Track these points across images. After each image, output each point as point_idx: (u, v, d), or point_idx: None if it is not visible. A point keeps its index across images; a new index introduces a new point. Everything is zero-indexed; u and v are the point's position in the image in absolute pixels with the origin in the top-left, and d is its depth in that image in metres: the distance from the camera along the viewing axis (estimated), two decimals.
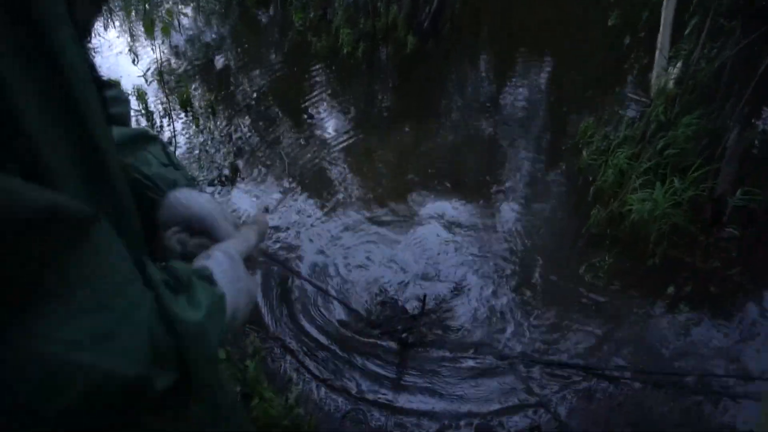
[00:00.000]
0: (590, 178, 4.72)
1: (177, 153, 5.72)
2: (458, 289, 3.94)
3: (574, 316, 3.64)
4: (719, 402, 3.07)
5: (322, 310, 3.77)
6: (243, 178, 5.44)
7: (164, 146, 1.07)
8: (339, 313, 3.73)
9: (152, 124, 6.02)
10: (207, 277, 0.75)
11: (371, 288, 3.93)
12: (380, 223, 4.79)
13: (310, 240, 4.56)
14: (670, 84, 4.91)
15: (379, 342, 3.48)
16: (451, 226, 4.60)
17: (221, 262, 0.81)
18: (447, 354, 3.39)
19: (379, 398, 3.20)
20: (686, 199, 3.98)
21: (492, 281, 4.04)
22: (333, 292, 3.86)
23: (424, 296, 3.57)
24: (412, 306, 3.71)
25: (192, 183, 1.07)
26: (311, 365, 3.42)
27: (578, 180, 4.83)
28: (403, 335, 3.43)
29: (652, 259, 3.96)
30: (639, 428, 2.99)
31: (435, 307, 3.70)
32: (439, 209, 4.90)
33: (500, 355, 3.33)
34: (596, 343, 3.43)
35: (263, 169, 5.54)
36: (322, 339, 3.59)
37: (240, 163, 5.64)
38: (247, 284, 0.84)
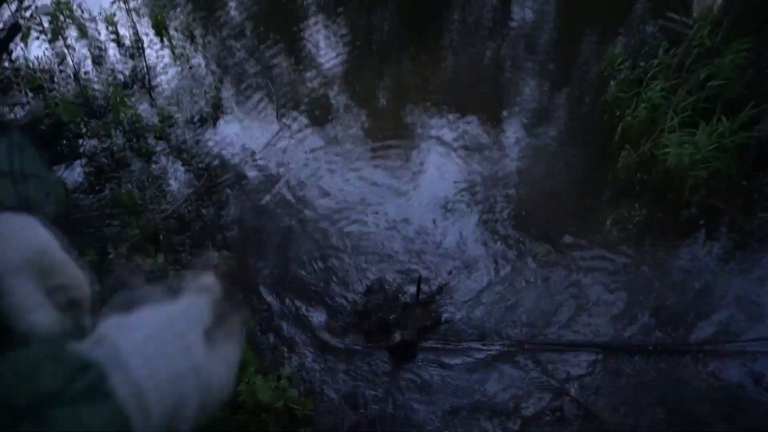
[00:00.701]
0: (618, 114, 4.16)
1: (152, 87, 5.11)
2: (461, 255, 3.53)
3: (599, 279, 3.25)
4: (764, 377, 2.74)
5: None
6: (226, 115, 4.87)
7: (12, 144, 0.70)
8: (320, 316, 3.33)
9: (123, 54, 5.35)
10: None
11: (365, 255, 3.53)
12: (379, 167, 4.31)
13: (304, 183, 4.11)
14: (718, 2, 4.22)
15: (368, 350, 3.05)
16: (456, 169, 4.11)
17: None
18: (452, 347, 3.03)
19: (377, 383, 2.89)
20: (735, 142, 3.45)
21: (499, 238, 3.61)
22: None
23: (419, 278, 3.07)
24: (405, 292, 3.27)
25: (48, 206, 0.69)
26: (303, 339, 3.08)
27: (604, 116, 4.27)
28: (396, 337, 2.93)
29: (687, 210, 3.51)
30: (671, 406, 2.69)
31: (432, 290, 3.26)
32: (443, 148, 4.40)
33: (510, 341, 2.96)
34: (624, 311, 3.06)
35: (249, 105, 4.96)
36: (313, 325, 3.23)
37: (223, 97, 5.05)
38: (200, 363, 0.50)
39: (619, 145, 3.92)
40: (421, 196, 3.93)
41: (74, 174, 4.36)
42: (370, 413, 2.68)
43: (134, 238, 3.66)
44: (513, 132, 4.45)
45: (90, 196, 4.12)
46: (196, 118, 4.81)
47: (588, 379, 2.76)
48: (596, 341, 2.91)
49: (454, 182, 4.00)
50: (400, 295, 3.22)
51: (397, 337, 2.89)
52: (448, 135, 4.42)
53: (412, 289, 3.13)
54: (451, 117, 4.57)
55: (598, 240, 3.48)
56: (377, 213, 3.86)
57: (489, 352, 2.90)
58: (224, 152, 4.62)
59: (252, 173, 4.39)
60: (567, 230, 3.57)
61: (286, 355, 2.98)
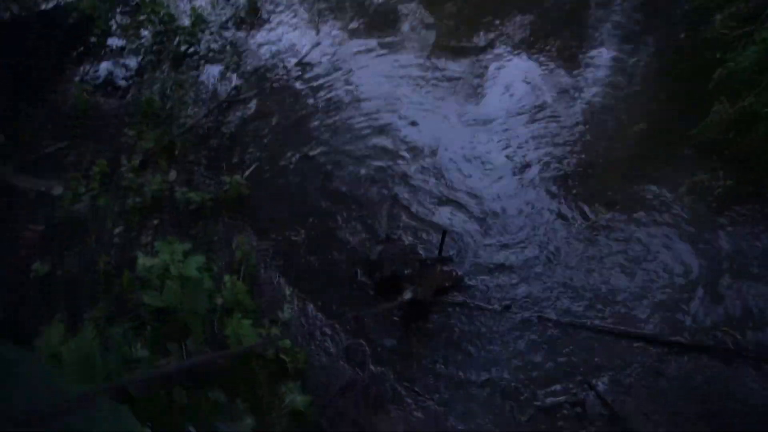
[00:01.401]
0: (718, 56, 3.40)
1: None
2: (501, 200, 3.07)
3: (659, 255, 2.73)
4: None
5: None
6: (263, 22, 4.42)
7: None
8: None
9: None
10: None
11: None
12: (435, 81, 3.81)
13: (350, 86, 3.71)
14: None
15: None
16: (523, 92, 3.58)
17: None
18: (470, 311, 2.66)
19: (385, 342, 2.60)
20: None
21: (550, 186, 3.12)
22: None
23: (444, 233, 2.67)
24: (427, 243, 2.90)
25: None
26: (309, 282, 2.81)
27: (700, 57, 3.51)
28: (407, 294, 2.58)
29: None
30: (719, 422, 2.26)
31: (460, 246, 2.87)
32: (508, 77, 3.83)
33: (538, 315, 2.55)
34: (681, 299, 2.57)
35: (288, 13, 4.47)
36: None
37: (260, 2, 4.57)
38: None
39: (712, 95, 3.22)
40: (478, 117, 3.47)
41: (99, 73, 4.15)
42: (366, 375, 2.42)
43: (148, 151, 3.43)
44: (592, 63, 3.79)
45: (111, 100, 3.91)
46: (230, 24, 4.41)
47: (620, 375, 2.35)
48: (638, 331, 2.47)
49: (518, 110, 3.48)
50: (420, 249, 2.86)
51: (408, 294, 2.56)
52: (520, 53, 3.84)
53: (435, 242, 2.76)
54: (525, 34, 3.95)
55: (666, 207, 2.93)
56: (419, 131, 3.44)
57: (511, 324, 2.53)
58: (256, 63, 4.23)
59: (282, 88, 4.01)
60: (631, 189, 3.03)
61: (287, 296, 2.74)
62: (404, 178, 3.26)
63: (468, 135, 3.44)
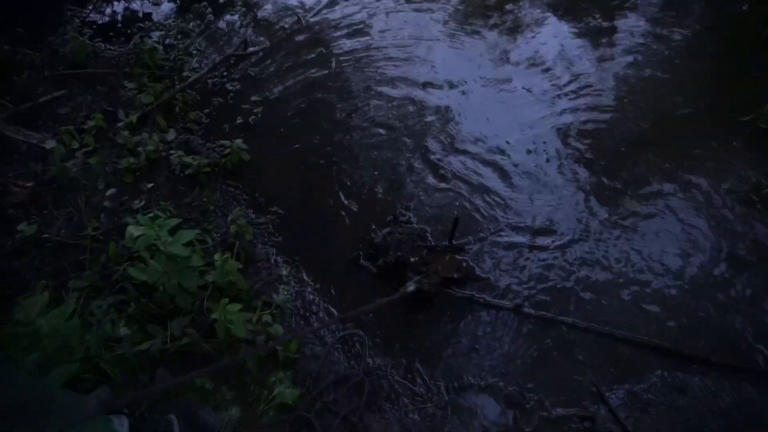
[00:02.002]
0: None
1: None
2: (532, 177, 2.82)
3: (692, 257, 2.49)
4: None
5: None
6: None
7: None
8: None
9: None
10: None
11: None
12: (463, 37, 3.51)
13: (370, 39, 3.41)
14: None
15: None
16: (555, 54, 3.27)
17: None
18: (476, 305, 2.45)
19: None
20: None
21: (573, 164, 2.85)
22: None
23: (456, 220, 2.49)
24: (438, 225, 2.67)
25: None
26: (308, 262, 2.62)
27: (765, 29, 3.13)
28: (410, 286, 2.36)
29: None
30: None
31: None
32: (540, 40, 3.50)
33: (552, 317, 2.34)
34: (709, 314, 2.33)
35: None
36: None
37: None
38: None
39: None
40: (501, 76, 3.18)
41: (102, 17, 3.88)
42: (362, 369, 2.26)
43: (148, 107, 3.20)
44: (632, 32, 3.44)
45: (112, 48, 3.65)
46: None
47: (638, 389, 2.16)
48: (661, 343, 2.26)
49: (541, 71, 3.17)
50: (429, 234, 2.64)
51: (412, 286, 2.36)
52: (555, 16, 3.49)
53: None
54: None
55: (704, 203, 2.65)
56: (441, 92, 3.16)
57: (522, 324, 2.33)
58: (267, 14, 3.92)
59: (295, 43, 3.72)
60: (663, 176, 2.76)
61: (284, 277, 2.56)
62: (424, 150, 3.01)
63: (490, 94, 3.17)
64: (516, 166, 2.93)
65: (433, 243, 2.58)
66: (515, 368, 2.24)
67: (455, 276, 2.46)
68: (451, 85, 3.39)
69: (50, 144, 2.93)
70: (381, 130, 3.15)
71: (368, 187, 2.87)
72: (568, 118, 3.13)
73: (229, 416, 2.12)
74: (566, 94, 3.27)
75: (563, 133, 3.06)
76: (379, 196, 2.83)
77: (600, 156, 2.92)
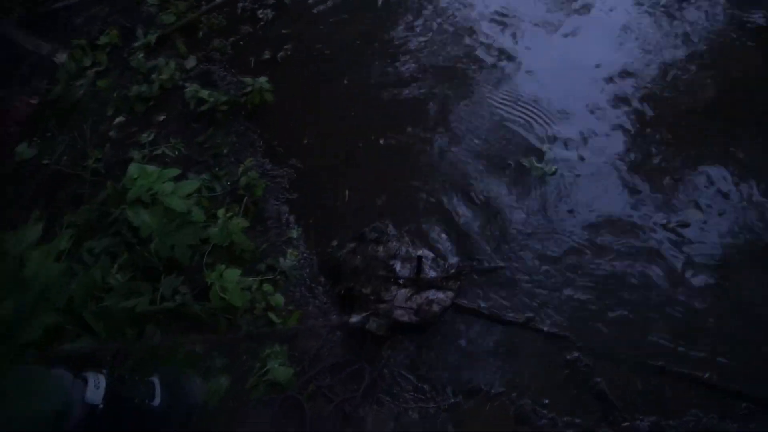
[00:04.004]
0: None
1: None
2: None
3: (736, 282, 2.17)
4: None
5: None
6: None
7: None
8: None
9: None
10: None
11: None
12: None
13: None
14: None
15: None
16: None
17: None
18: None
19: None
20: None
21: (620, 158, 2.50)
22: None
23: (419, 258, 2.07)
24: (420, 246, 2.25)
25: None
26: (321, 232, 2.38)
27: None
28: (353, 319, 2.01)
29: None
30: None
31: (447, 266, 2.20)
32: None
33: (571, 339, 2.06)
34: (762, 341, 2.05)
35: None
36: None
37: None
38: None
39: None
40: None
41: None
42: (365, 355, 2.06)
43: (168, 28, 2.90)
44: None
45: None
46: None
47: (665, 424, 1.93)
48: (698, 374, 2.00)
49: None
50: (401, 260, 2.17)
51: (355, 319, 2.01)
52: None
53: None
54: None
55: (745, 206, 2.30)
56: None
57: (540, 339, 2.08)
58: None
59: None
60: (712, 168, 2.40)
61: (294, 240, 2.34)
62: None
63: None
64: None
65: (399, 273, 2.13)
66: (531, 383, 2.02)
67: (409, 321, 2.04)
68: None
69: (61, 58, 2.69)
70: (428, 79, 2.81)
71: (405, 152, 2.57)
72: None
73: (216, 386, 1.98)
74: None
75: None
76: (416, 163, 2.53)
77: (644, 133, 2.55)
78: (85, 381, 1.70)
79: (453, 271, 2.16)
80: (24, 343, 1.76)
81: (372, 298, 2.04)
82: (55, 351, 1.85)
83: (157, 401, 1.82)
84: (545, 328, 2.12)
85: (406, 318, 2.00)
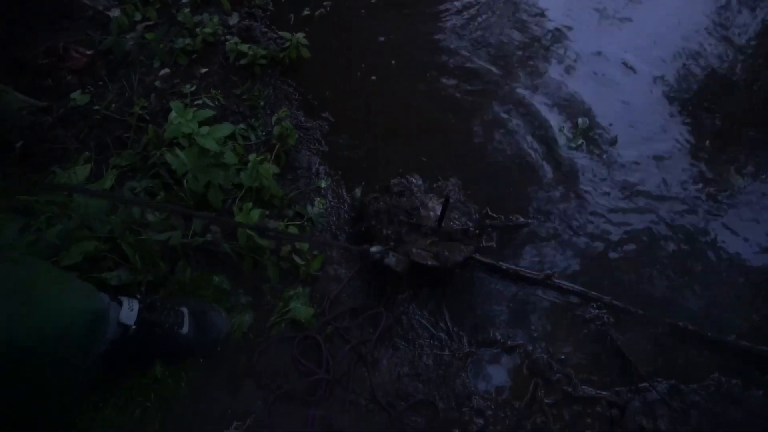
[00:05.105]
0: None
1: None
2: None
3: None
4: None
5: None
6: None
7: None
8: None
9: None
10: None
11: None
12: None
13: None
14: None
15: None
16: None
17: None
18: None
19: None
20: None
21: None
22: None
23: (446, 198, 1.99)
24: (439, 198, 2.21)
25: None
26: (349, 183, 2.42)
27: None
28: (374, 250, 1.98)
29: None
30: None
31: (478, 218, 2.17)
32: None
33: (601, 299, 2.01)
34: None
35: None
36: None
37: None
38: None
39: None
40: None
41: None
42: (383, 303, 2.11)
43: None
44: None
45: None
46: None
47: (685, 388, 1.87)
48: (725, 338, 1.93)
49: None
50: (424, 209, 2.18)
51: (375, 248, 1.99)
52: None
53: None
54: None
55: None
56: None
57: (561, 295, 2.06)
58: None
59: None
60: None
61: (322, 189, 2.40)
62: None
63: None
64: None
65: (421, 223, 2.12)
66: (548, 337, 2.01)
67: (426, 263, 2.02)
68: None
69: (115, 12, 2.83)
70: (478, 53, 2.79)
71: (440, 117, 2.57)
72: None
73: (240, 321, 2.08)
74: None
75: None
76: (449, 124, 2.54)
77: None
78: (120, 304, 1.82)
79: (474, 226, 2.16)
80: (66, 266, 1.90)
81: (393, 237, 2.08)
82: (93, 278, 1.99)
83: (185, 329, 1.92)
84: (564, 285, 2.10)
85: (424, 260, 2.01)
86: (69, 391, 1.58)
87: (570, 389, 1.91)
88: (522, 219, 2.29)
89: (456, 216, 2.17)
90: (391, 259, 1.96)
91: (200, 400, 1.92)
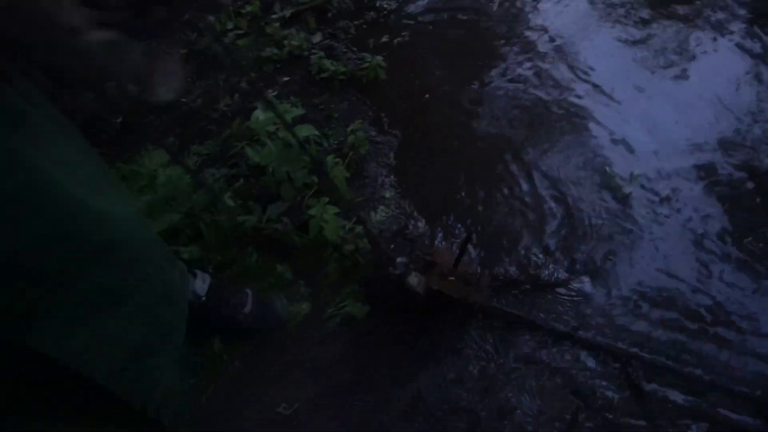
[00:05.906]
0: None
1: None
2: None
3: None
4: None
5: None
6: None
7: None
8: None
9: None
10: None
11: None
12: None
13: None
14: None
15: None
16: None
17: None
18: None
19: None
20: None
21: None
22: None
23: (467, 236, 2.00)
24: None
25: None
26: (412, 197, 2.55)
27: None
28: (400, 268, 2.02)
29: None
30: None
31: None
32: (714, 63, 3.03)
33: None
34: None
35: None
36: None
37: None
38: None
39: None
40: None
41: None
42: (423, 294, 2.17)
43: (302, 6, 3.24)
44: None
45: None
46: None
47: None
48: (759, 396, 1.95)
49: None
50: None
51: (400, 261, 2.03)
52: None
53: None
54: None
55: None
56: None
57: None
58: None
59: None
60: None
61: (386, 199, 2.53)
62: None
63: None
64: None
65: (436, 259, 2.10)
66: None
67: (416, 290, 1.98)
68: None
69: (210, 19, 3.08)
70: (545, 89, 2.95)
71: (502, 148, 2.71)
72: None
73: (298, 310, 2.17)
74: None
75: None
76: (509, 165, 2.67)
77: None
78: (194, 276, 1.95)
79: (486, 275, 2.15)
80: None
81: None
82: (172, 249, 2.12)
83: (248, 309, 2.03)
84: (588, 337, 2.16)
85: (415, 285, 1.97)
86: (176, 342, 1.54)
87: (611, 416, 1.95)
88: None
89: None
90: (413, 279, 1.96)
91: (251, 379, 2.00)
